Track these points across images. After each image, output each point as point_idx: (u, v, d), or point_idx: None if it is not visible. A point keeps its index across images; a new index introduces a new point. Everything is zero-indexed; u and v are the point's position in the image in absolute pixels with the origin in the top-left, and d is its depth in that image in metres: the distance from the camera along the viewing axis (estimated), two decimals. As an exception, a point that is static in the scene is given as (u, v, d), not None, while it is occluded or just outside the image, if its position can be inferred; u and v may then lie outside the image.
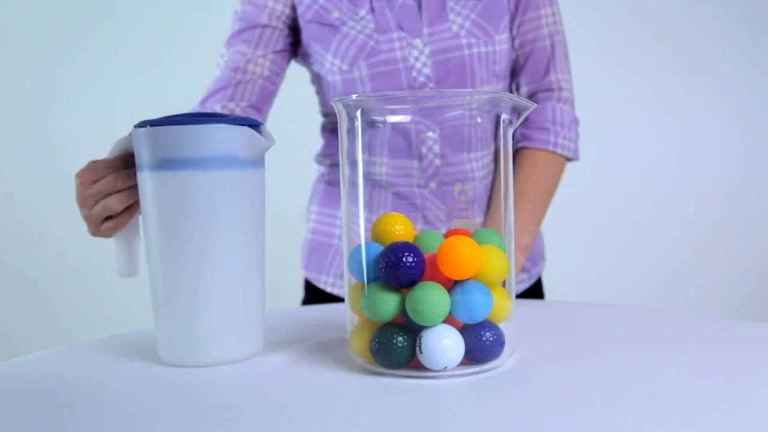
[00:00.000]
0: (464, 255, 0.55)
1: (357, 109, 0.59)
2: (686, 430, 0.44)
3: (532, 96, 1.03)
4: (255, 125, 0.63)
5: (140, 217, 0.66)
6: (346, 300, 0.61)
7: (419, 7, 0.96)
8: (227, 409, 0.51)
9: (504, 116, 0.60)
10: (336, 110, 0.61)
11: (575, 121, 1.03)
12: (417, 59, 0.95)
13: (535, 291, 1.10)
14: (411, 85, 0.95)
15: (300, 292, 1.13)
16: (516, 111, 0.60)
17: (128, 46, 2.30)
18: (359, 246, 0.58)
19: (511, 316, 0.60)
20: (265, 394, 0.54)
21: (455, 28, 0.95)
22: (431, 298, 0.54)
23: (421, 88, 0.95)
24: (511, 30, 1.00)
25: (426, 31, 0.95)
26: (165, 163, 0.60)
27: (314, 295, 1.08)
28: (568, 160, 1.02)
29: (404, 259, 0.55)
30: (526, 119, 1.02)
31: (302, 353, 0.65)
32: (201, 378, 0.59)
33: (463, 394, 0.53)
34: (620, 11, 2.33)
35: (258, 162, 0.63)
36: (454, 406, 0.50)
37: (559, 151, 1.00)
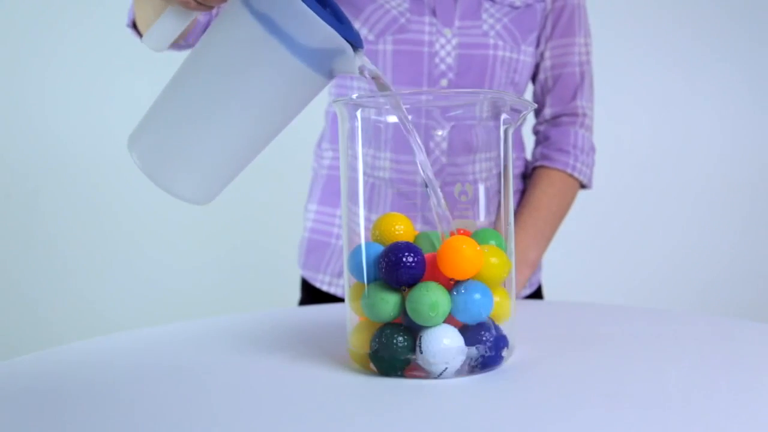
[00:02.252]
0: (464, 255, 0.55)
1: (357, 109, 0.59)
2: (686, 430, 0.44)
3: (555, 118, 1.05)
4: (357, 46, 0.61)
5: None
6: (345, 300, 0.61)
7: None
8: (226, 408, 0.51)
9: (504, 116, 0.60)
10: (337, 112, 0.61)
11: (593, 149, 1.05)
12: (443, 47, 0.96)
13: (535, 298, 1.10)
14: (431, 72, 0.96)
15: (297, 294, 1.13)
16: (517, 112, 0.60)
17: (131, 45, 2.30)
18: (359, 246, 0.58)
19: (511, 316, 0.60)
20: (264, 394, 0.54)
21: (485, 27, 0.97)
22: (431, 298, 0.54)
23: (441, 76, 0.97)
24: (540, 48, 1.03)
25: (457, 23, 0.97)
26: (262, 17, 0.59)
27: (311, 294, 1.08)
28: (582, 186, 1.04)
29: (404, 259, 0.55)
30: (548, 139, 1.05)
31: (301, 353, 0.65)
32: (199, 378, 0.59)
33: (463, 394, 0.53)
34: (619, 10, 2.33)
35: (330, 74, 0.62)
36: (454, 406, 0.50)
37: (576, 174, 1.02)
